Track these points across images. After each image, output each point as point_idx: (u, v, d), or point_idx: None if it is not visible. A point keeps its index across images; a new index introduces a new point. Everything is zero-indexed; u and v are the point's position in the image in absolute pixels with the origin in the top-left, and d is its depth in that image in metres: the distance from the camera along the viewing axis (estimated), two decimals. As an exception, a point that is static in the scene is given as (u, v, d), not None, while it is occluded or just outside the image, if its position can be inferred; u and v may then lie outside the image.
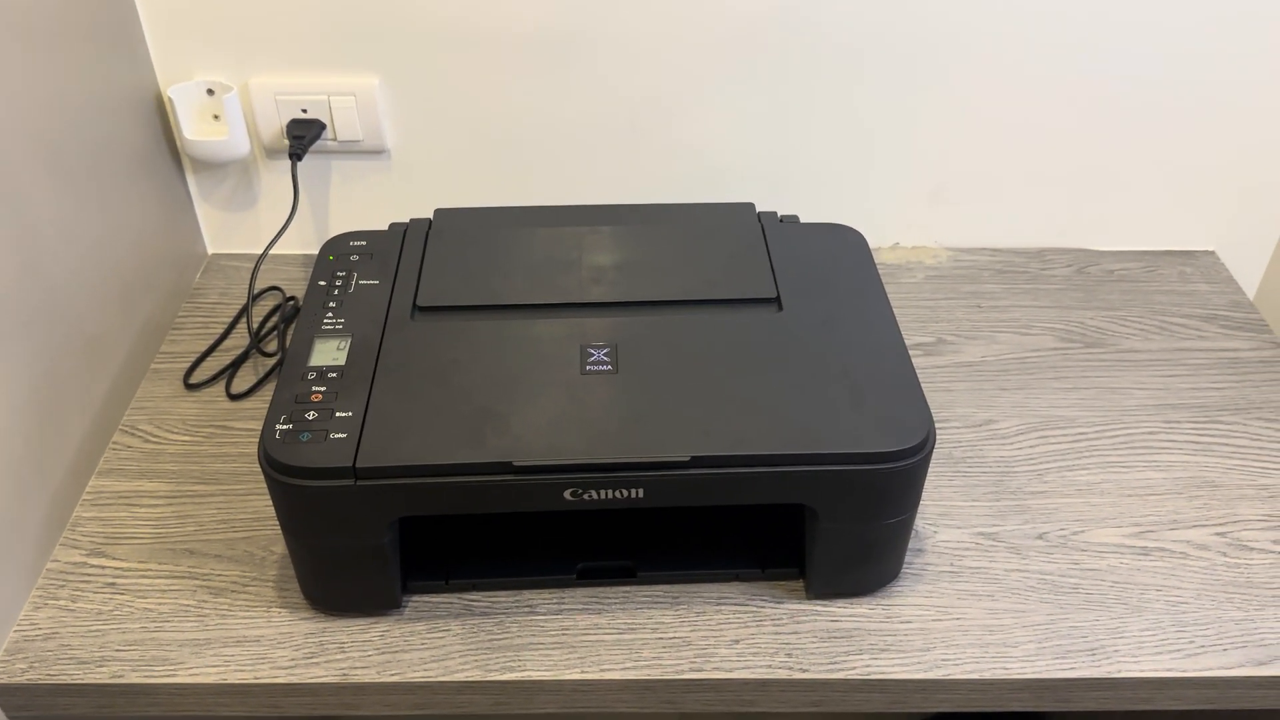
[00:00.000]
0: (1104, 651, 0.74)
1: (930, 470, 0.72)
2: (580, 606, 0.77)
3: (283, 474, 0.67)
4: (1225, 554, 0.81)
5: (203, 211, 1.09)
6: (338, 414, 0.70)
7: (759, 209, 0.90)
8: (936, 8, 0.97)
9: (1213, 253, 1.13)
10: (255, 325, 1.00)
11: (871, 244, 0.88)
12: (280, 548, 0.80)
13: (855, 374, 0.73)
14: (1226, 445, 0.91)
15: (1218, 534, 0.83)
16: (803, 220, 0.89)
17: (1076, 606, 0.77)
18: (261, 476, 0.69)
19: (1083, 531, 0.83)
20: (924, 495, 0.75)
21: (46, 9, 0.82)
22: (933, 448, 0.70)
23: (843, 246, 0.86)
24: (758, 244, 0.85)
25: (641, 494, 0.69)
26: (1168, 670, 0.73)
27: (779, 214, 0.90)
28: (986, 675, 0.73)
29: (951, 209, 1.11)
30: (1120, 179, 1.08)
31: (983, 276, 1.10)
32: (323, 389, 0.72)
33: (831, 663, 0.74)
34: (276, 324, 1.01)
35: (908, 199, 1.10)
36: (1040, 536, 0.82)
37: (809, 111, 1.03)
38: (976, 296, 1.07)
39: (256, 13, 0.96)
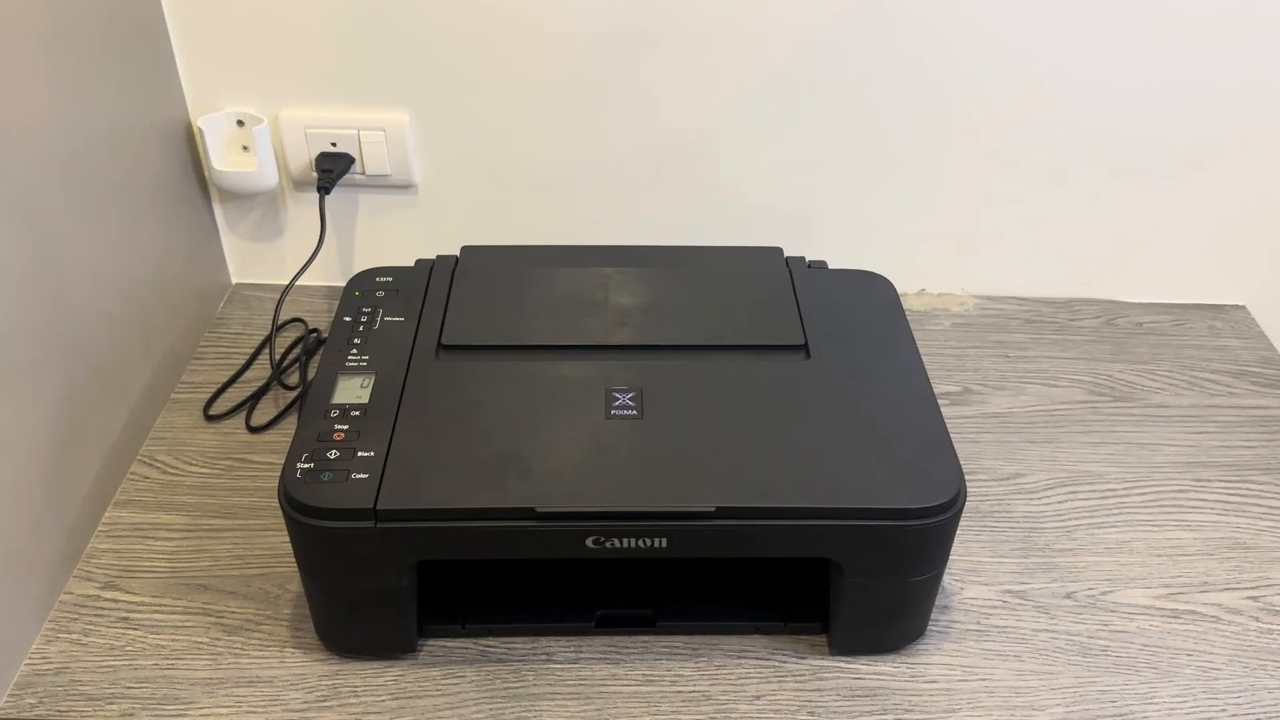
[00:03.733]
0: (1133, 717, 0.73)
1: (958, 525, 0.71)
2: (598, 656, 0.76)
3: (303, 514, 0.67)
4: (1258, 619, 0.79)
5: (228, 241, 1.09)
6: (360, 454, 0.69)
7: (786, 253, 0.89)
8: (967, 56, 0.96)
9: (1243, 307, 1.12)
10: (277, 357, 1.00)
11: (897, 289, 0.87)
12: (295, 586, 0.79)
13: (884, 426, 0.72)
14: (1258, 506, 0.89)
15: (1250, 598, 0.81)
16: (829, 264, 0.89)
17: (1105, 669, 0.76)
18: (278, 511, 0.69)
19: (1112, 591, 0.81)
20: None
21: (79, 36, 0.82)
22: (963, 505, 0.69)
23: (872, 294, 0.85)
24: (785, 289, 0.85)
25: (665, 544, 0.67)
26: (1200, 739, 0.72)
27: (806, 259, 0.89)
28: (1013, 739, 0.72)
29: (979, 256, 1.10)
30: (1150, 230, 1.07)
31: (1010, 325, 1.08)
32: (345, 427, 0.71)
33: (854, 722, 0.72)
34: (299, 356, 1.01)
35: (935, 245, 1.09)
36: (1069, 595, 0.81)
37: (837, 156, 1.03)
38: (1004, 346, 1.06)
39: (289, 46, 0.97)
